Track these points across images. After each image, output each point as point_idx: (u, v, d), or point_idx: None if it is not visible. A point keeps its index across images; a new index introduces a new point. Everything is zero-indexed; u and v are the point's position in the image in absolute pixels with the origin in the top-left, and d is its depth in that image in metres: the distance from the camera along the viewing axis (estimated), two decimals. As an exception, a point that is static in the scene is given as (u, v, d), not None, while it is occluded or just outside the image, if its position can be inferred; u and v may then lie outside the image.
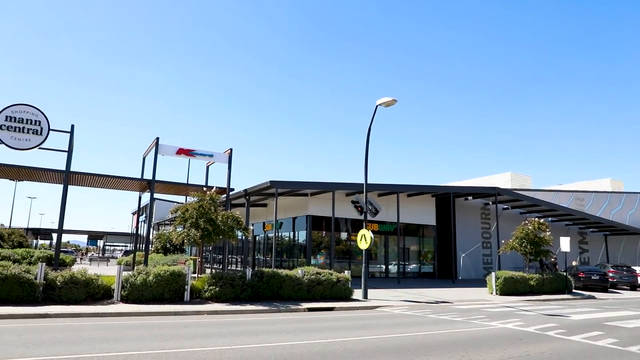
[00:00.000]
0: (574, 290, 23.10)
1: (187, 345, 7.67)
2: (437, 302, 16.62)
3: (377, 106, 16.93)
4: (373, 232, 17.62)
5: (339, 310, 13.99)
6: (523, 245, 21.65)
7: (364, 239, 16.93)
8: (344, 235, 29.57)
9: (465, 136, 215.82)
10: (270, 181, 23.21)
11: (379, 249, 30.64)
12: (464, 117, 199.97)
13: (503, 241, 23.68)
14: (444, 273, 31.35)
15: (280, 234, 31.03)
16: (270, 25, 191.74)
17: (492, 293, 20.44)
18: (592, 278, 25.44)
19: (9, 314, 10.37)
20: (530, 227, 21.84)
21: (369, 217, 18.53)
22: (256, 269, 20.19)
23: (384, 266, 30.42)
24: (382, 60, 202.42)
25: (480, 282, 25.98)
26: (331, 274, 16.10)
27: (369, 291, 17.16)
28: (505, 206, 34.92)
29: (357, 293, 16.78)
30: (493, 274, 20.94)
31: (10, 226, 47.51)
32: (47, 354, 6.66)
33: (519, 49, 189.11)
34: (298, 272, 15.74)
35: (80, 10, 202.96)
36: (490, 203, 33.89)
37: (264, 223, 33.18)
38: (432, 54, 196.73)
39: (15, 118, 18.11)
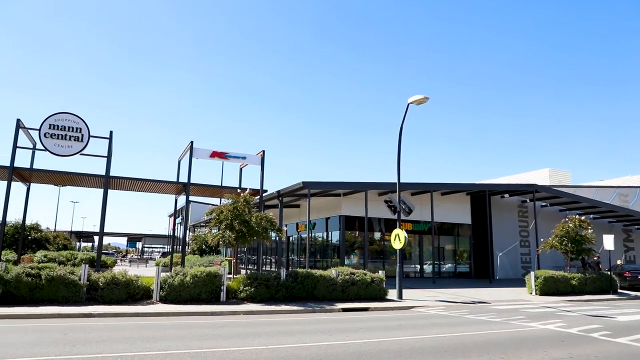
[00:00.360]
0: (619, 290, 22.19)
1: (224, 345, 7.80)
2: (473, 303, 16.30)
3: (408, 104, 16.76)
4: (407, 231, 17.44)
5: (373, 311, 13.93)
6: (563, 243, 20.98)
7: (398, 238, 16.79)
8: (377, 235, 29.40)
9: (500, 134, 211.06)
10: (303, 182, 23.33)
11: (413, 248, 30.30)
12: (498, 115, 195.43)
13: (542, 239, 23.01)
14: (481, 273, 30.71)
15: (313, 234, 31.13)
16: (301, 25, 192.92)
17: (531, 293, 19.89)
18: (639, 277, 24.37)
19: (56, 313, 10.82)
20: (570, 225, 21.14)
21: (403, 217, 18.36)
22: (290, 269, 20.33)
23: (418, 266, 30.07)
24: (414, 60, 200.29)
25: (519, 282, 25.32)
26: (365, 274, 16.04)
27: (404, 291, 17.00)
28: (544, 203, 33.91)
29: (392, 293, 16.65)
30: (532, 273, 20.37)
31: (55, 229, 49.57)
32: (91, 352, 6.91)
33: (556, 47, 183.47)
34: (332, 272, 15.76)
35: (112, 9, 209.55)
36: (528, 200, 32.98)
37: (297, 224, 33.37)
38: (465, 53, 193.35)
39: (57, 126, 18.88)
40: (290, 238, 35.26)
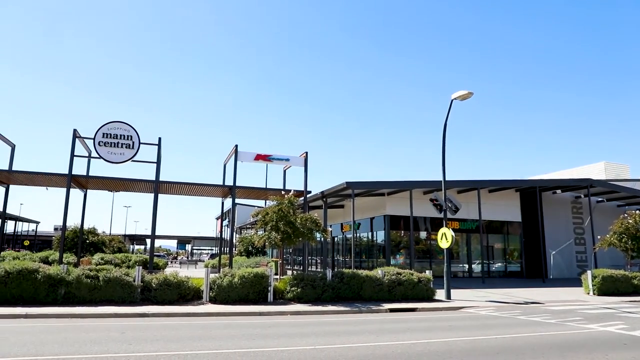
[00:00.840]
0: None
1: (273, 345, 7.91)
2: (526, 303, 15.75)
3: (452, 100, 16.43)
4: (454, 230, 17.10)
5: (421, 311, 13.72)
6: (623, 240, 19.90)
7: (445, 237, 16.48)
8: (423, 234, 28.97)
9: (550, 129, 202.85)
10: (347, 182, 23.32)
11: (460, 247, 29.64)
12: (547, 111, 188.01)
13: (599, 237, 21.93)
14: (533, 272, 29.63)
15: (358, 234, 31.05)
16: (343, 25, 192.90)
17: (588, 293, 19.00)
18: None
19: (114, 313, 11.32)
20: (630, 221, 20.03)
21: (449, 215, 18.03)
22: (336, 270, 20.37)
23: (466, 265, 29.37)
24: (455, 58, 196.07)
25: (574, 282, 24.25)
26: (412, 274, 15.84)
27: (452, 291, 16.66)
28: (600, 199, 32.32)
29: (440, 293, 16.36)
30: (589, 272, 19.45)
31: (110, 233, 51.94)
32: (148, 351, 7.19)
33: (610, 43, 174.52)
34: (378, 272, 15.66)
35: (158, 10, 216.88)
36: (582, 196, 31.54)
37: (341, 224, 33.38)
38: (510, 53, 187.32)
39: (110, 134, 19.78)
40: (335, 239, 35.32)
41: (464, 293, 18.11)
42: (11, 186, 22.78)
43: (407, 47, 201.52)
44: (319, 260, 36.53)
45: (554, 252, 30.66)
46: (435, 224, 27.65)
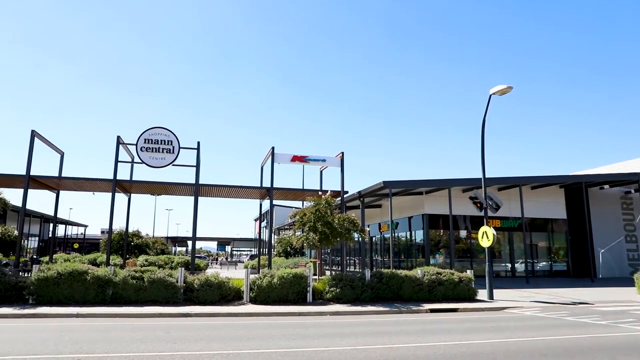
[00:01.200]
0: None
1: (313, 345, 7.94)
2: (573, 303, 15.17)
3: (490, 95, 16.04)
4: (495, 228, 16.71)
5: (463, 312, 13.45)
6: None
7: (486, 236, 16.10)
8: (463, 233, 28.39)
9: (595, 122, 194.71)
10: (384, 182, 23.16)
11: (502, 246, 28.87)
12: (590, 109, 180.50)
13: (652, 234, 20.85)
14: (580, 271, 28.52)
15: (396, 234, 30.77)
16: (377, 25, 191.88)
17: (641, 293, 18.12)
18: None
19: (158, 312, 11.67)
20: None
21: (490, 213, 17.59)
22: (374, 270, 20.25)
23: (509, 265, 28.58)
24: (492, 58, 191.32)
25: (626, 281, 23.17)
26: (452, 274, 15.55)
27: (495, 291, 16.25)
28: (652, 194, 30.74)
29: (482, 293, 15.99)
30: (641, 271, 18.54)
31: (153, 235, 53.55)
32: (191, 350, 7.36)
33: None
34: (417, 272, 15.47)
35: (196, 12, 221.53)
36: (633, 191, 30.10)
37: (379, 224, 33.17)
38: (546, 52, 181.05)
39: (151, 140, 20.41)
40: (373, 238, 35.13)
41: (507, 293, 17.63)
42: (61, 192, 23.87)
43: (442, 46, 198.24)
44: (357, 261, 36.43)
45: (602, 250, 29.39)
46: (475, 223, 27.05)
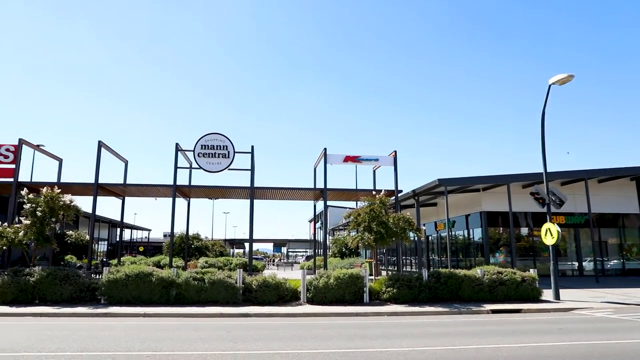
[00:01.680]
0: None
1: (371, 346, 7.90)
2: (650, 304, 14.16)
3: (550, 85, 15.31)
4: (559, 225, 15.87)
5: (526, 313, 12.91)
6: None
7: (549, 233, 15.36)
8: (524, 230, 27.24)
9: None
10: (439, 179, 22.66)
11: (568, 243, 27.42)
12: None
13: None
14: (657, 269, 26.56)
15: (453, 233, 30.02)
16: (427, 22, 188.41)
17: None
18: None
19: (219, 313, 12.03)
20: None
21: (553, 209, 16.78)
22: (432, 269, 19.86)
23: (576, 263, 27.10)
24: (548, 56, 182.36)
25: None
26: (514, 273, 14.97)
27: (561, 291, 15.47)
28: None
29: (547, 294, 15.28)
30: None
31: (212, 238, 55.30)
32: (252, 349, 7.53)
33: None
34: (477, 271, 15.01)
35: (251, 14, 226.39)
36: None
37: (435, 223, 32.50)
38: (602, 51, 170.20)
39: (208, 146, 21.13)
40: (430, 237, 34.47)
41: (575, 293, 16.74)
42: (126, 198, 25.17)
43: (494, 41, 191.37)
44: (413, 261, 35.88)
45: (681, 247, 27.22)
46: (537, 219, 25.89)
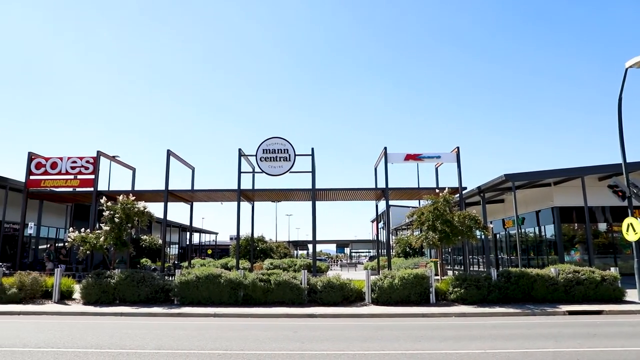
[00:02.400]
0: None
1: (439, 347, 7.72)
2: None
3: (626, 69, 14.26)
4: (643, 219, 14.70)
5: (608, 314, 12.06)
6: None
7: (632, 228, 14.27)
8: (602, 226, 25.51)
9: None
10: (505, 175, 21.75)
11: (653, 239, 25.34)
12: None
13: None
14: None
15: (523, 230, 28.68)
16: (486, 21, 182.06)
17: None
18: None
19: (285, 313, 12.25)
20: None
21: (635, 203, 15.57)
22: (500, 269, 19.09)
23: (664, 260, 24.97)
24: (616, 53, 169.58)
25: None
26: (593, 272, 14.04)
27: (648, 291, 14.32)
28: None
29: (631, 294, 14.23)
30: None
31: (276, 240, 56.42)
32: (318, 349, 7.60)
33: None
34: (551, 270, 14.24)
35: (314, 16, 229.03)
36: None
37: (503, 220, 31.21)
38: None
39: (269, 150, 21.61)
40: (497, 235, 33.15)
41: (664, 293, 15.43)
42: (194, 203, 26.26)
43: (556, 41, 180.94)
44: (480, 260, 34.67)
45: None
46: (617, 214, 24.17)
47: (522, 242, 27.84)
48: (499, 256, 32.97)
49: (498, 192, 26.37)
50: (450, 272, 28.30)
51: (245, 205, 25.61)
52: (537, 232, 27.73)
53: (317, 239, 22.80)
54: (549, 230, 25.99)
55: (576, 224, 25.19)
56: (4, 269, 15.48)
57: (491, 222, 30.10)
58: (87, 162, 23.18)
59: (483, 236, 25.98)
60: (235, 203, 22.34)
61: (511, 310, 12.43)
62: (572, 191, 23.49)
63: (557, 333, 9.16)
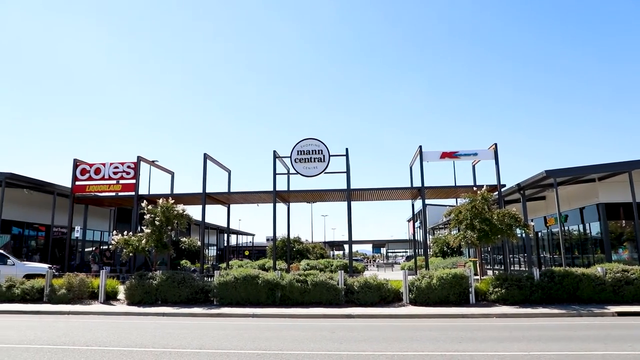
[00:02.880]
0: None
1: (480, 349, 7.55)
2: None
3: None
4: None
5: (661, 315, 11.50)
6: None
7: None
8: (653, 222, 24.30)
9: None
10: (546, 171, 21.06)
11: None
12: None
13: None
14: None
15: (566, 228, 27.70)
16: (514, 21, 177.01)
17: None
18: None
19: (322, 314, 12.28)
20: None
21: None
22: (543, 268, 18.51)
23: None
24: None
25: None
26: (643, 271, 13.41)
27: None
28: None
29: (686, 294, 13.49)
30: None
31: (312, 241, 56.66)
32: (356, 350, 7.58)
33: None
34: (597, 270, 13.70)
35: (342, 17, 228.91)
36: None
37: (544, 217, 30.24)
38: None
39: (304, 151, 21.73)
40: (539, 234, 32.15)
41: None
42: (230, 205, 26.70)
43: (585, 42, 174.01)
44: (521, 259, 33.72)
45: None
46: (668, 210, 22.99)
47: (565, 241, 26.90)
48: (541, 255, 31.98)
49: (539, 189, 25.58)
50: (489, 272, 27.66)
51: (281, 207, 25.83)
52: (581, 229, 26.73)
53: (353, 239, 22.72)
54: (595, 228, 25.00)
55: (624, 221, 24.11)
56: (53, 271, 16.17)
57: (532, 220, 29.21)
58: (128, 167, 23.96)
59: (524, 235, 25.27)
60: (271, 205, 22.57)
61: (555, 311, 12.03)
62: (618, 187, 22.52)
63: (606, 335, 8.80)
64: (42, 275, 15.92)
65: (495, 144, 21.62)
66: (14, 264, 17.55)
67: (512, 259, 34.21)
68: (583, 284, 13.30)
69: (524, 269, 28.96)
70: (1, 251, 18.50)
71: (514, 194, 25.35)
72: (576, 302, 13.17)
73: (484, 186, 17.40)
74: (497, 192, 20.82)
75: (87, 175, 24.16)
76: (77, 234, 24.59)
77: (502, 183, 21.42)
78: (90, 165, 24.27)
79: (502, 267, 25.19)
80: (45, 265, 18.44)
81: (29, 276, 16.72)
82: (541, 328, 9.92)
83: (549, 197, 28.03)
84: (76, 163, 24.18)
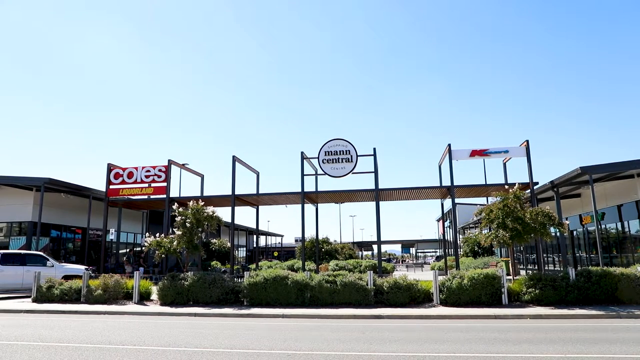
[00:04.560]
0: None
1: (514, 351, 7.38)
2: None
3: None
4: None
5: None
6: None
7: None
8: (696, 220, 23.28)
9: None
10: (581, 167, 20.44)
11: None
12: None
13: None
14: None
15: (603, 226, 26.81)
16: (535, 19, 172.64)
17: None
18: None
19: (352, 314, 12.24)
20: None
21: None
22: (579, 268, 17.94)
23: None
24: None
25: None
26: (688, 271, 12.85)
27: None
28: None
29: None
30: None
31: (340, 241, 56.59)
32: (387, 351, 7.53)
33: None
34: (637, 269, 13.20)
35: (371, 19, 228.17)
36: None
37: (580, 215, 29.34)
38: None
39: (331, 152, 21.73)
40: (574, 232, 31.21)
41: None
42: (259, 207, 26.93)
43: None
44: (556, 258, 32.81)
45: None
46: None
47: (602, 239, 26.03)
48: (577, 254, 31.03)
49: (573, 186, 24.83)
50: (522, 272, 27.02)
51: (309, 208, 25.95)
52: (619, 227, 25.81)
53: (382, 239, 22.57)
54: (634, 226, 24.10)
55: (665, 218, 23.17)
56: (90, 272, 16.67)
57: (567, 219, 28.37)
58: (160, 170, 24.49)
59: (558, 233, 24.56)
60: (299, 205, 22.66)
61: (593, 312, 11.65)
62: (658, 183, 21.67)
63: (647, 337, 8.47)
64: (79, 277, 16.45)
65: (527, 141, 21.11)
66: (53, 266, 18.17)
67: (545, 259, 33.32)
68: (622, 284, 12.84)
69: (559, 268, 28.18)
70: (41, 253, 19.19)
71: (547, 191, 24.71)
72: (615, 304, 12.72)
73: (516, 184, 17.00)
74: (529, 190, 20.32)
75: (120, 179, 24.82)
76: (111, 236, 25.29)
77: (534, 180, 20.89)
78: (123, 170, 24.93)
79: (536, 267, 24.56)
80: (82, 267, 19.03)
81: (67, 277, 17.32)
82: (578, 330, 9.62)
83: (584, 195, 27.20)
84: (110, 167, 24.87)
